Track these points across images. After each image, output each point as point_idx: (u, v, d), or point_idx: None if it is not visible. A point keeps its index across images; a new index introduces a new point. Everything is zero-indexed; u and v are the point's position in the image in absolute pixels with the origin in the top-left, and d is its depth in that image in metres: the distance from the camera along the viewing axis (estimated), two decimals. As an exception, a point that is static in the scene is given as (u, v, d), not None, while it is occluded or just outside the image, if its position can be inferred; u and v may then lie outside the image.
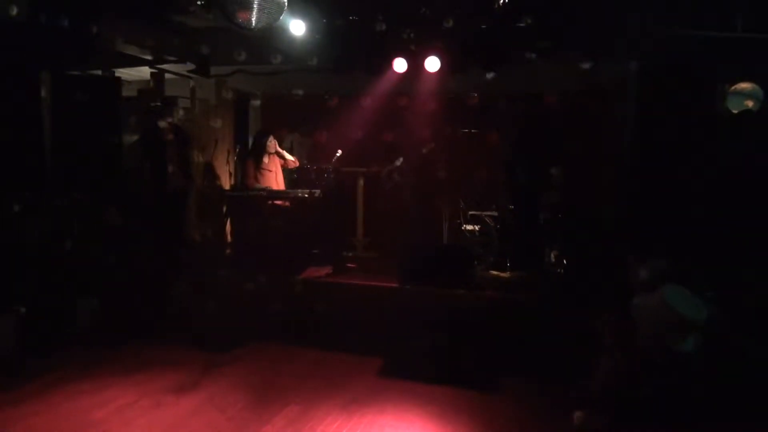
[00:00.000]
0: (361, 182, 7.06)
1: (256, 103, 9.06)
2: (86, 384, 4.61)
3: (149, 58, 6.82)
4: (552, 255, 6.36)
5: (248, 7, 3.95)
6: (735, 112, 5.51)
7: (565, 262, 6.19)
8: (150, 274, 6.11)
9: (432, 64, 6.40)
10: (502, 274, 6.61)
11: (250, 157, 7.25)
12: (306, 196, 6.74)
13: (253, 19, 4.04)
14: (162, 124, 6.46)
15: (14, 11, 5.15)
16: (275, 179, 7.27)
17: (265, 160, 7.19)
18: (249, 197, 6.91)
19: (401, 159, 7.43)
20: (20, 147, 5.58)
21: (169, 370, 4.96)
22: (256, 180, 7.13)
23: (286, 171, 7.61)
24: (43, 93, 5.91)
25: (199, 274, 6.37)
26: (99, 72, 6.84)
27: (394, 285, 5.91)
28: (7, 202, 5.30)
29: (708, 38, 5.31)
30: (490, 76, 6.16)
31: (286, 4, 4.09)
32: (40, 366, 4.92)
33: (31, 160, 5.69)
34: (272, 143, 7.23)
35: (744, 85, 5.48)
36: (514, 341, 5.23)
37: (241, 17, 4.07)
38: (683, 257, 3.77)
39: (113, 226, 6.04)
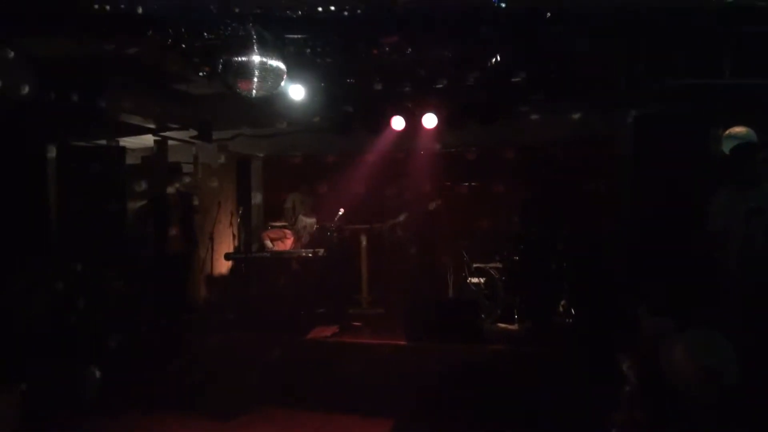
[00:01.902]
0: (364, 239, 7.09)
1: (258, 164, 9.19)
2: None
3: (153, 126, 6.97)
4: (560, 305, 6.30)
5: (249, 78, 4.07)
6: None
7: (573, 311, 6.14)
8: (154, 340, 6.05)
9: (429, 120, 6.53)
10: (510, 327, 6.54)
11: (288, 231, 7.44)
12: (310, 255, 6.76)
13: (254, 89, 4.15)
14: (170, 189, 6.55)
15: (21, 86, 5.30)
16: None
17: (302, 238, 7.40)
18: (253, 259, 6.93)
19: (404, 214, 7.48)
20: (26, 219, 5.63)
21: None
22: (273, 244, 7.23)
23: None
24: (48, 165, 6.01)
25: (204, 337, 6.30)
26: (104, 141, 6.99)
27: (401, 342, 5.84)
28: (12, 275, 5.30)
29: (698, 85, 5.42)
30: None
31: (285, 73, 4.21)
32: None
33: (37, 232, 5.73)
34: (314, 226, 7.48)
35: (738, 129, 5.55)
36: (525, 395, 5.12)
37: (242, 87, 4.19)
38: (689, 308, 3.75)
39: (117, 294, 6.02)
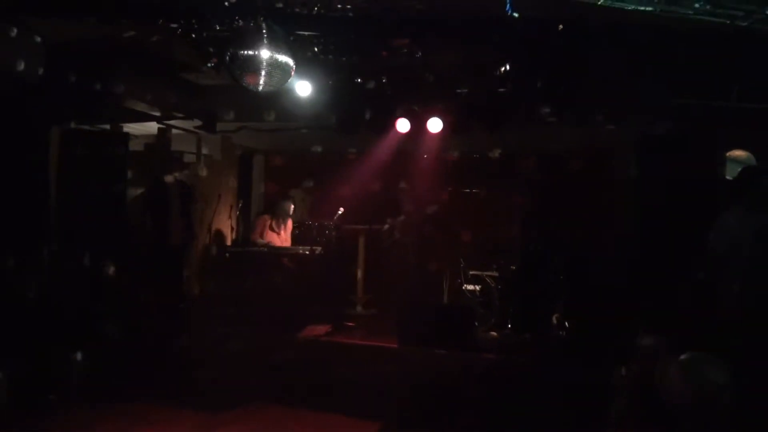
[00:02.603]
0: (362, 240, 7.08)
1: (260, 158, 9.17)
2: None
3: (157, 114, 6.95)
4: (554, 317, 6.30)
5: (256, 72, 4.06)
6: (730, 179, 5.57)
7: (567, 324, 6.13)
8: (148, 330, 6.03)
9: (434, 125, 6.52)
10: (503, 336, 6.53)
11: (266, 215, 7.37)
12: (307, 252, 6.75)
13: (261, 83, 4.14)
14: (168, 178, 6.53)
15: (25, 67, 5.27)
16: (280, 241, 7.35)
17: (280, 222, 7.33)
18: (250, 253, 6.92)
19: (402, 217, 7.48)
20: (26, 202, 5.61)
21: (165, 430, 4.84)
22: (261, 237, 7.17)
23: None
24: (51, 148, 5.99)
25: (198, 330, 6.29)
26: (107, 126, 6.96)
27: (393, 345, 5.84)
28: (6, 258, 5.27)
29: (706, 107, 5.42)
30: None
31: (294, 69, 4.20)
32: (32, 427, 4.79)
33: (36, 215, 5.71)
34: (291, 208, 7.41)
35: (738, 153, 5.56)
36: (514, 405, 5.12)
37: (249, 80, 4.17)
38: (688, 329, 3.74)
39: (113, 281, 6.00)
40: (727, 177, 5.61)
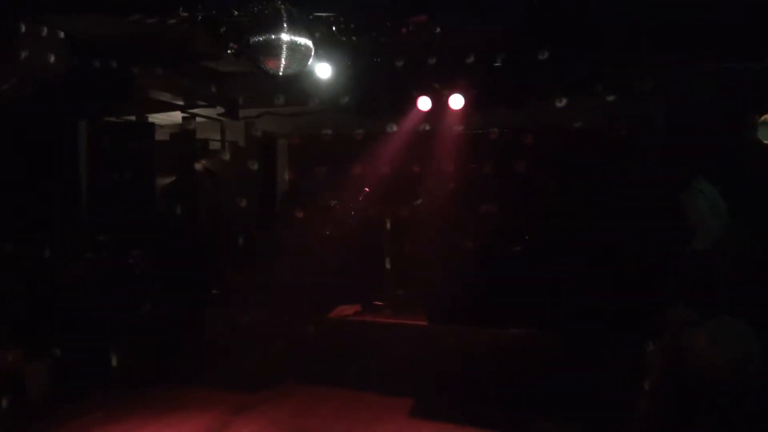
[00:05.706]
0: (387, 220, 7.10)
1: (284, 143, 9.21)
2: (119, 428, 4.66)
3: (181, 103, 7.03)
4: (584, 290, 6.24)
5: (276, 56, 4.07)
6: (766, 142, 5.45)
7: (597, 297, 6.08)
8: (181, 315, 6.17)
9: (456, 101, 6.46)
10: (530, 311, 6.50)
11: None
12: (334, 234, 6.79)
13: (281, 67, 4.15)
14: (198, 167, 6.62)
15: (54, 62, 5.37)
16: None
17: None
18: (277, 237, 7.00)
19: (427, 195, 7.45)
20: (58, 193, 5.76)
21: (199, 412, 4.98)
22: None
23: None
24: (80, 140, 6.12)
25: (229, 314, 6.41)
26: (133, 117, 7.08)
27: (422, 323, 5.87)
28: (42, 248, 5.43)
29: (734, 71, 5.27)
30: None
31: (313, 51, 4.20)
32: (73, 410, 4.97)
33: (67, 206, 5.86)
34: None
35: (769, 117, 5.41)
36: (546, 379, 5.12)
37: (269, 65, 4.19)
38: (715, 298, 3.70)
39: (145, 269, 6.13)
40: (764, 141, 5.47)
